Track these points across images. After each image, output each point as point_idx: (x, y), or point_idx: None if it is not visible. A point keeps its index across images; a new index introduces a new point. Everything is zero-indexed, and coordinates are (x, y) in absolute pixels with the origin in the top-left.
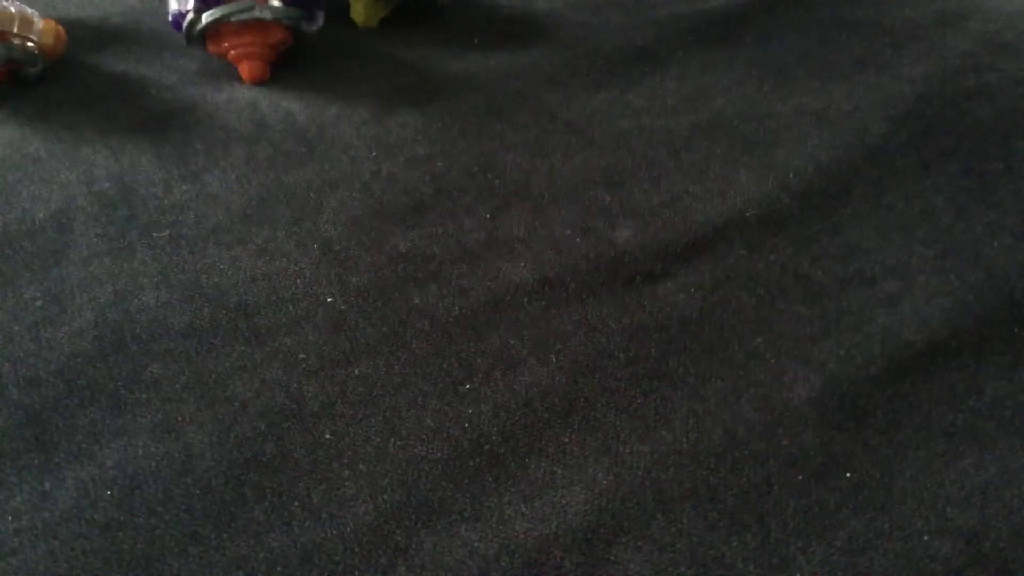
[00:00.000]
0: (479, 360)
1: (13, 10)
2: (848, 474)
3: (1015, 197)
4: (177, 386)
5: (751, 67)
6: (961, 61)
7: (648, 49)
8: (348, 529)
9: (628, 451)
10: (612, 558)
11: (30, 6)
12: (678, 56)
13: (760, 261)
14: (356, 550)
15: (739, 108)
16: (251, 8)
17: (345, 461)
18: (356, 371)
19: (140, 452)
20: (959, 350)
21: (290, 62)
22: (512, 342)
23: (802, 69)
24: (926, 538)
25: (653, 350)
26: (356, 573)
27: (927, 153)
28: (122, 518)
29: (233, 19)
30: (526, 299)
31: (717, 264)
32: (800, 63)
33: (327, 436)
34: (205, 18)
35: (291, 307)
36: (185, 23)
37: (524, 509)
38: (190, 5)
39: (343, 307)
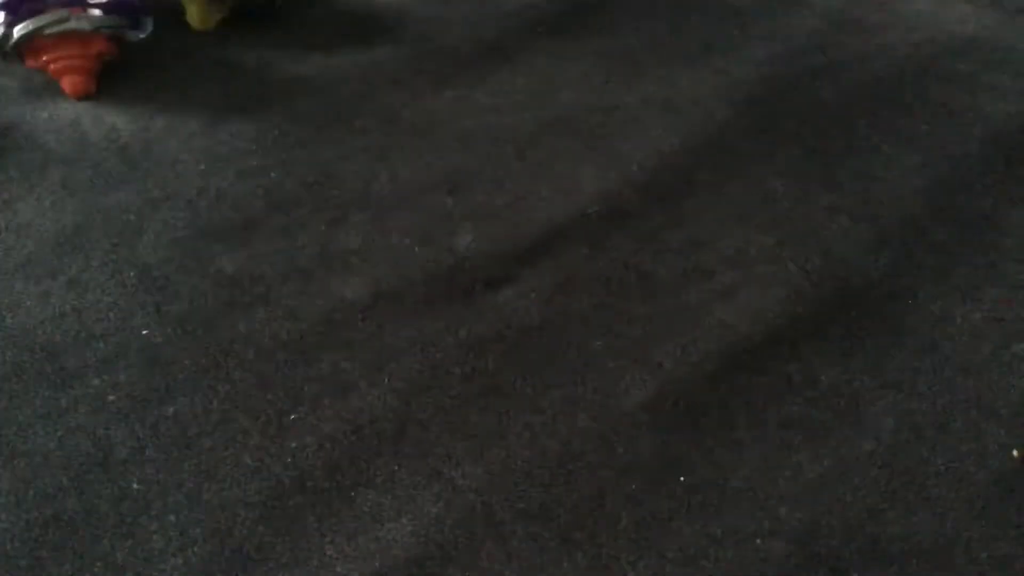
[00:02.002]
0: (307, 387)
1: None
2: (682, 478)
3: (855, 177)
4: None
5: (599, 57)
6: (807, 40)
7: (497, 43)
8: None
9: (460, 475)
10: None
11: None
12: (527, 49)
13: (602, 260)
14: None
15: (586, 101)
16: (66, 19)
17: (154, 513)
18: (170, 410)
19: None
20: (795, 340)
21: (119, 73)
22: (344, 365)
23: (650, 56)
24: (759, 541)
25: (490, 363)
26: None
27: (770, 137)
28: None
29: (48, 32)
30: (360, 317)
31: (559, 266)
32: (648, 50)
33: (135, 486)
34: (17, 32)
35: (102, 344)
36: None
37: (347, 548)
38: (0, 19)
39: (159, 340)
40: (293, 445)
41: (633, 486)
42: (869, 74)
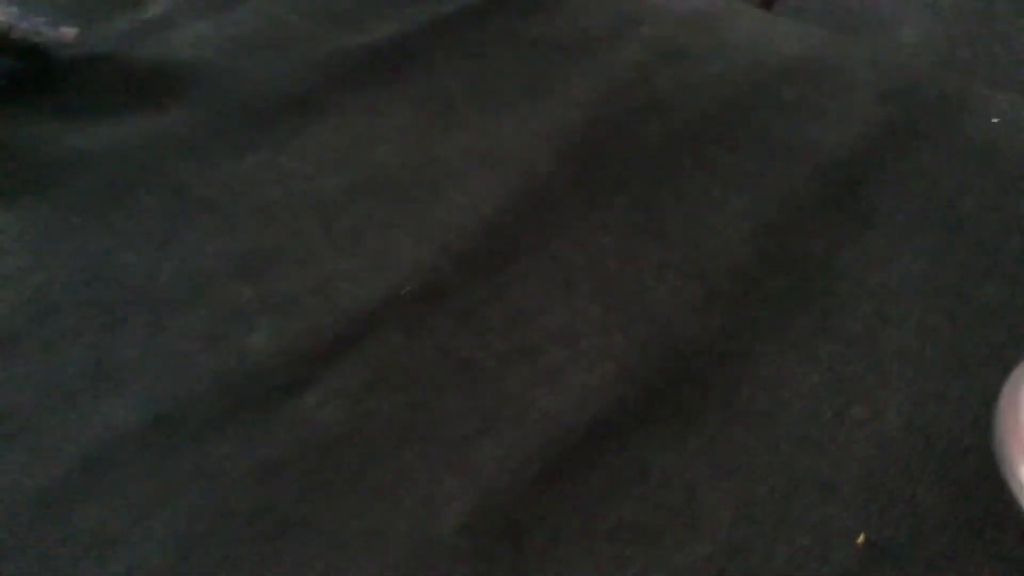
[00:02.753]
0: (62, 551)
1: None
2: None
3: (683, 226)
4: None
5: (417, 106)
6: (632, 74)
7: (305, 97)
8: None
9: None
10: None
11: None
12: (337, 103)
13: (417, 348)
14: None
15: (401, 158)
16: None
17: None
18: None
19: None
20: (623, 426)
21: None
22: (109, 516)
23: (470, 102)
24: None
25: (286, 493)
26: None
27: (597, 188)
28: None
29: None
30: (133, 449)
31: (369, 360)
32: (469, 95)
33: None
34: None
35: None
36: None
37: None
38: None
39: None
40: None
41: None
42: (695, 108)
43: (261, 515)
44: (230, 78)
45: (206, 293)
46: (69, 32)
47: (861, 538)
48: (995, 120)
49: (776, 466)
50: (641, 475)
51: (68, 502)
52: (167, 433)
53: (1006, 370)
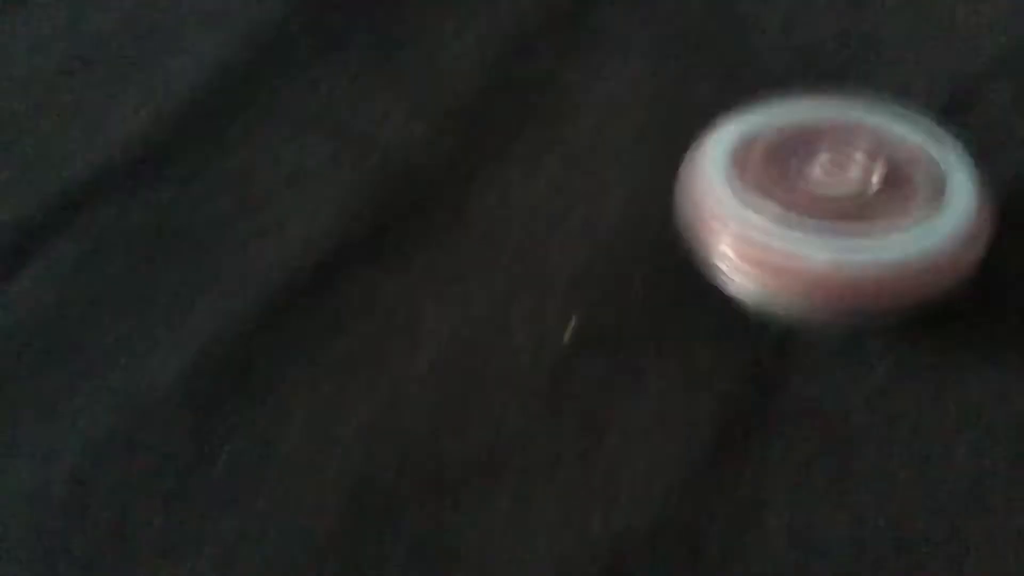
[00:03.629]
0: None
1: None
2: (226, 452)
3: (417, 62)
4: None
5: None
6: None
7: None
8: None
9: None
10: None
11: None
12: None
13: (133, 217)
14: None
15: (126, 23)
16: None
17: None
18: None
19: None
20: (350, 262)
21: None
22: None
23: None
24: (309, 501)
25: None
26: None
27: (330, 31)
28: None
29: None
30: None
31: (80, 236)
32: None
33: None
34: None
35: None
36: None
37: None
38: None
39: None
40: None
41: (167, 484)
42: None
43: None
44: None
45: None
46: None
47: (567, 335)
48: None
49: (497, 276)
50: (366, 307)
51: None
52: None
53: None
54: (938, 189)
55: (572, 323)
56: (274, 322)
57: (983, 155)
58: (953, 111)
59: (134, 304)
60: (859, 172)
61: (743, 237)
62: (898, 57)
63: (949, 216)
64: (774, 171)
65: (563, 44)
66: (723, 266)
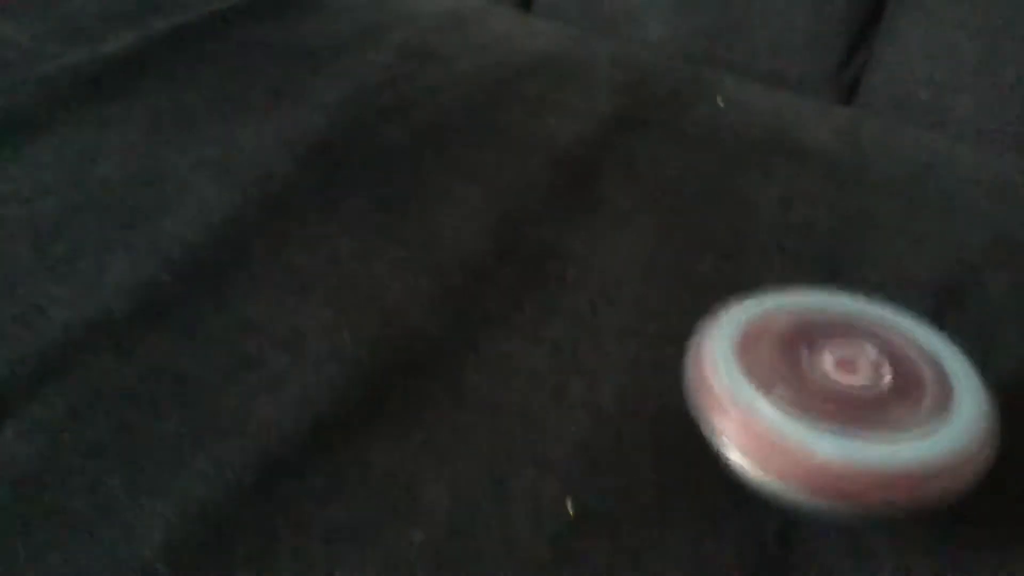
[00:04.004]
0: None
1: None
2: None
3: (421, 224)
4: None
5: (150, 119)
6: (379, 76)
7: (25, 115)
8: None
9: None
10: None
11: None
12: (62, 120)
13: (128, 369)
14: None
15: (129, 172)
16: None
17: None
18: None
19: None
20: (347, 425)
21: None
22: None
23: (207, 113)
24: None
25: None
26: None
27: (335, 190)
28: None
29: None
30: None
31: (73, 387)
32: (207, 105)
33: None
34: None
35: None
36: None
37: None
38: None
39: None
40: None
41: None
42: (439, 108)
43: None
44: None
45: None
46: None
47: (570, 504)
48: (721, 105)
49: (496, 448)
50: (362, 473)
51: None
52: None
53: None
54: (946, 391)
55: (569, 501)
56: (266, 487)
57: (984, 348)
58: (949, 300)
59: (123, 461)
60: (870, 369)
61: (751, 423)
62: (894, 236)
63: (959, 421)
64: (783, 359)
65: (566, 213)
66: (729, 450)
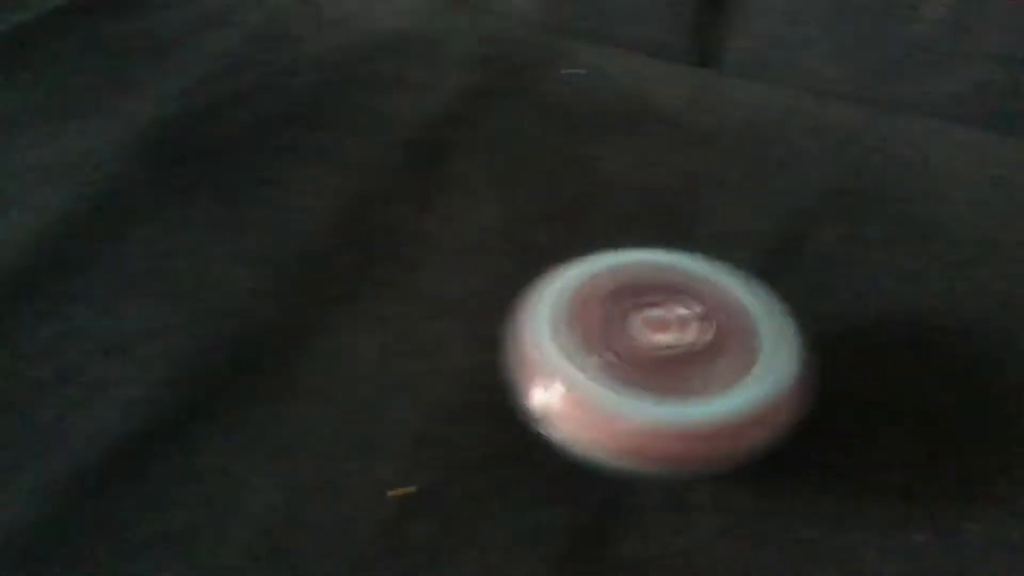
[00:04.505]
0: None
1: None
2: None
3: (264, 212)
4: None
5: None
6: (227, 62)
7: None
8: None
9: None
10: None
11: None
12: None
13: None
14: None
15: None
16: None
17: None
18: None
19: None
20: (175, 430)
21: None
22: None
23: (43, 115)
24: None
25: None
26: None
27: (174, 186)
28: None
29: None
30: None
31: None
32: (42, 108)
33: None
34: None
35: None
36: None
37: None
38: None
39: None
40: None
41: None
42: (287, 92)
43: None
44: None
45: None
46: None
47: (390, 492)
48: (580, 72)
49: (327, 438)
50: (188, 478)
51: None
52: None
53: None
54: (759, 346)
55: (411, 489)
56: (83, 504)
57: (812, 300)
58: (780, 254)
59: None
60: (681, 329)
61: (567, 392)
62: (734, 195)
63: (767, 375)
64: (600, 324)
65: (416, 193)
66: (549, 420)
